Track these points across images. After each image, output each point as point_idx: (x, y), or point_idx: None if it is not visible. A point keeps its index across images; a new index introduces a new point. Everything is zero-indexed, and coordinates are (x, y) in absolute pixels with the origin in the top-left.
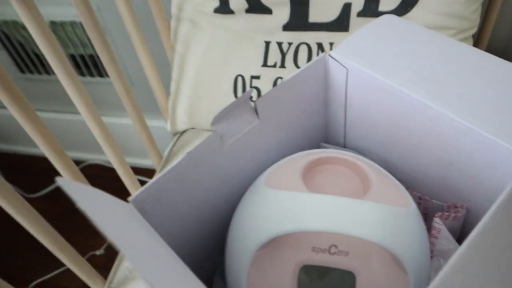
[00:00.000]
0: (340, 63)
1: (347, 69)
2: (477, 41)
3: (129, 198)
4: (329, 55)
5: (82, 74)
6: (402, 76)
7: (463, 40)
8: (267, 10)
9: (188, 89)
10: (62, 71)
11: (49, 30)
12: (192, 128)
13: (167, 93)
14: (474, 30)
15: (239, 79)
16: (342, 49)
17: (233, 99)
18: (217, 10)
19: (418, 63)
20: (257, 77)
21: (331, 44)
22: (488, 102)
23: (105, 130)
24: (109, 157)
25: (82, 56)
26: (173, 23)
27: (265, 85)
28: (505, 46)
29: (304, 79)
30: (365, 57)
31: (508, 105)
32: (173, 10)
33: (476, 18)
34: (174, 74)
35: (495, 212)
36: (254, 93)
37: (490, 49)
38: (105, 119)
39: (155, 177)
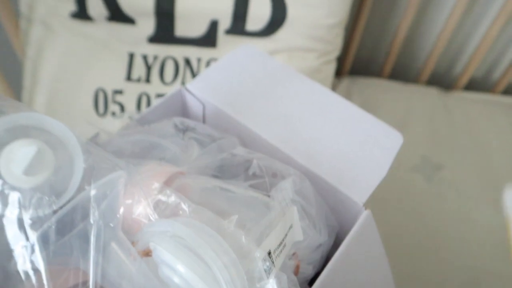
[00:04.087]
0: (197, 98)
1: (203, 104)
2: (343, 61)
3: None
4: (186, 88)
5: None
6: (256, 116)
7: (327, 62)
8: (129, 20)
9: (42, 101)
10: None
11: None
12: None
13: (17, 99)
14: (336, 53)
15: (100, 94)
16: (199, 82)
17: (93, 114)
18: (74, 15)
19: (272, 102)
20: (120, 92)
21: (198, 59)
22: (334, 148)
23: None
24: None
25: None
26: (23, 24)
27: (129, 101)
28: (365, 66)
29: (161, 113)
30: (221, 93)
31: (351, 151)
32: (23, 9)
33: (338, 42)
34: (26, 82)
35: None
36: (117, 110)
37: (354, 69)
38: None
39: None
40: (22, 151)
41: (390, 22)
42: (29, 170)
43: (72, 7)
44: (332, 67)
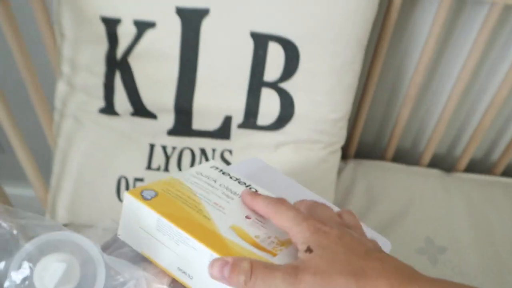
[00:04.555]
0: None
1: None
2: (348, 146)
3: None
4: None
5: None
6: None
7: (332, 152)
8: (151, 115)
9: (69, 186)
10: None
11: None
12: (71, 223)
13: (46, 183)
14: (341, 144)
15: (123, 181)
16: None
17: (116, 200)
18: (102, 111)
19: None
20: (141, 180)
21: (213, 150)
22: None
23: None
24: None
25: None
26: (56, 117)
27: None
28: (370, 150)
29: None
30: None
31: None
32: (57, 104)
33: (342, 134)
34: (56, 169)
35: None
36: None
37: (358, 152)
38: None
39: None
40: (54, 267)
41: (390, 110)
42: (59, 283)
43: (100, 104)
44: (337, 156)
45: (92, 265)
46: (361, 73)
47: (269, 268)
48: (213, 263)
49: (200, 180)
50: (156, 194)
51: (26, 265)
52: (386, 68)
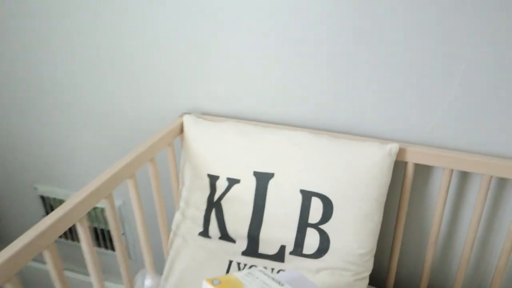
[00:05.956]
0: None
1: None
2: (385, 280)
3: None
4: None
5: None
6: None
7: (360, 279)
8: (232, 240)
9: (172, 284)
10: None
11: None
12: None
13: None
14: (368, 273)
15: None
16: None
17: None
18: (200, 234)
19: None
20: None
21: (272, 269)
22: None
23: None
24: None
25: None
26: (171, 236)
27: None
28: (407, 285)
29: None
30: None
31: None
32: (173, 226)
33: (369, 265)
34: (165, 272)
35: None
36: None
37: (397, 286)
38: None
39: None
40: None
41: (421, 250)
42: None
43: (200, 229)
44: (364, 283)
45: None
46: (391, 220)
47: None
48: None
49: (249, 277)
50: (220, 282)
51: None
52: (410, 218)
